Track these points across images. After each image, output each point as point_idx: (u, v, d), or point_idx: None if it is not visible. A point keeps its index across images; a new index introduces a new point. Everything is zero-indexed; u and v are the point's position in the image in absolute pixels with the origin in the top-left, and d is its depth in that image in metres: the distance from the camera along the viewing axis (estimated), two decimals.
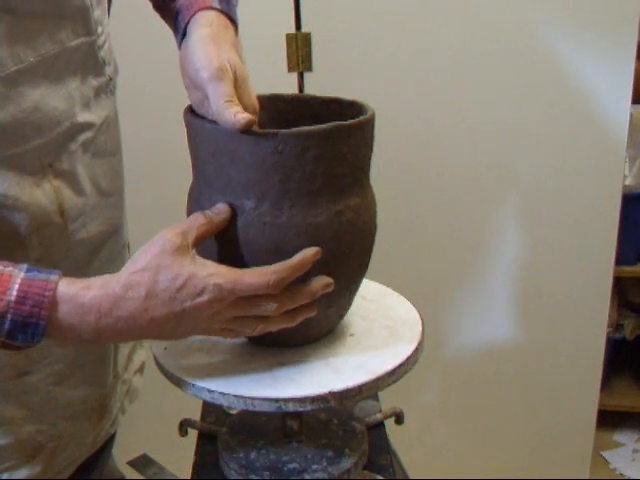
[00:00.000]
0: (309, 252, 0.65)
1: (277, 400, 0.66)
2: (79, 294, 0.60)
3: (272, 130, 0.64)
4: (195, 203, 0.70)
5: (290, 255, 0.65)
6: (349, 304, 0.75)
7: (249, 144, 0.63)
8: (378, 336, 0.76)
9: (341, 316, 0.76)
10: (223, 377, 0.69)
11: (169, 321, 0.61)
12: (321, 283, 0.66)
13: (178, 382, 0.69)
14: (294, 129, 0.64)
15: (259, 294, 0.62)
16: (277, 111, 0.75)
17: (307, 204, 0.66)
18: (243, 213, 0.66)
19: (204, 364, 0.71)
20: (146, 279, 0.60)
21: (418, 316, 0.79)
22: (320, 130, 0.64)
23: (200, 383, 0.68)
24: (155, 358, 0.73)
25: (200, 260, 0.63)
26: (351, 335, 0.76)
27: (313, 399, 0.66)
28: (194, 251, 0.64)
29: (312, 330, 0.73)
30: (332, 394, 0.66)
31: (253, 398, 0.66)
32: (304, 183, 0.65)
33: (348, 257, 0.70)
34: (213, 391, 0.67)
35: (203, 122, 0.67)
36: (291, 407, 0.66)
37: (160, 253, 0.61)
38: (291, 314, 0.65)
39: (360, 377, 0.68)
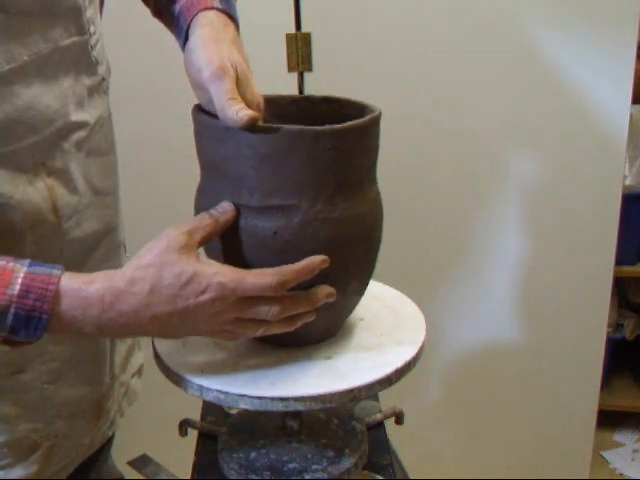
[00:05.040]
0: (317, 259, 0.65)
1: (351, 390, 0.66)
2: (82, 288, 0.60)
3: (330, 126, 0.64)
4: None
5: (342, 249, 0.67)
6: None
7: (307, 142, 0.64)
8: (386, 318, 0.79)
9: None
10: (276, 382, 0.67)
11: (171, 318, 0.61)
12: (324, 292, 0.67)
13: (219, 398, 0.67)
14: (348, 123, 0.65)
15: (261, 295, 0.62)
16: None
17: (353, 195, 0.68)
18: (299, 212, 0.65)
19: (235, 370, 0.70)
20: (150, 275, 0.60)
21: (401, 294, 0.84)
22: (365, 122, 0.67)
23: (253, 392, 0.66)
24: (171, 373, 0.71)
25: (205, 259, 0.63)
26: (361, 320, 0.79)
27: (381, 383, 0.68)
28: (199, 250, 0.64)
29: (339, 322, 0.76)
30: (397, 371, 0.69)
31: (323, 395, 0.66)
32: (353, 175, 0.67)
33: (379, 241, 0.73)
34: (275, 398, 0.65)
35: (246, 132, 0.64)
36: (364, 394, 0.67)
37: (165, 250, 0.61)
38: (290, 319, 0.66)
39: (404, 356, 0.71)
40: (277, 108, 0.75)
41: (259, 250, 0.66)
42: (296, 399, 0.65)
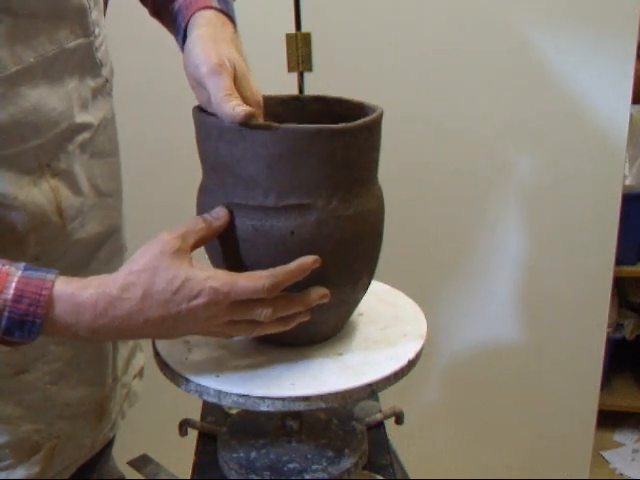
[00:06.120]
0: (308, 259, 0.65)
1: (370, 385, 0.67)
2: (75, 293, 0.60)
3: (344, 124, 0.65)
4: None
5: (355, 245, 0.67)
6: None
7: (323, 141, 0.64)
8: (385, 312, 0.80)
9: None
10: (297, 382, 0.67)
11: (164, 322, 0.61)
12: (318, 294, 0.66)
13: (239, 402, 0.66)
14: (360, 121, 0.66)
15: (254, 298, 0.62)
16: None
17: (364, 192, 0.69)
18: (315, 211, 0.65)
19: (249, 372, 0.69)
20: (143, 280, 0.60)
21: (391, 287, 0.85)
22: (374, 119, 0.67)
23: (275, 393, 0.65)
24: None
25: (197, 264, 0.63)
26: (360, 315, 0.79)
27: (396, 374, 0.69)
28: (191, 255, 0.63)
29: (347, 318, 0.76)
30: (410, 362, 0.70)
31: (344, 391, 0.66)
32: (363, 172, 0.68)
33: (382, 238, 0.73)
34: (299, 397, 0.65)
35: (260, 130, 0.64)
36: (381, 387, 0.68)
37: (158, 255, 0.61)
38: (285, 319, 0.66)
39: (413, 347, 0.72)
40: (266, 109, 0.75)
41: (276, 250, 0.66)
42: (319, 397, 0.65)
